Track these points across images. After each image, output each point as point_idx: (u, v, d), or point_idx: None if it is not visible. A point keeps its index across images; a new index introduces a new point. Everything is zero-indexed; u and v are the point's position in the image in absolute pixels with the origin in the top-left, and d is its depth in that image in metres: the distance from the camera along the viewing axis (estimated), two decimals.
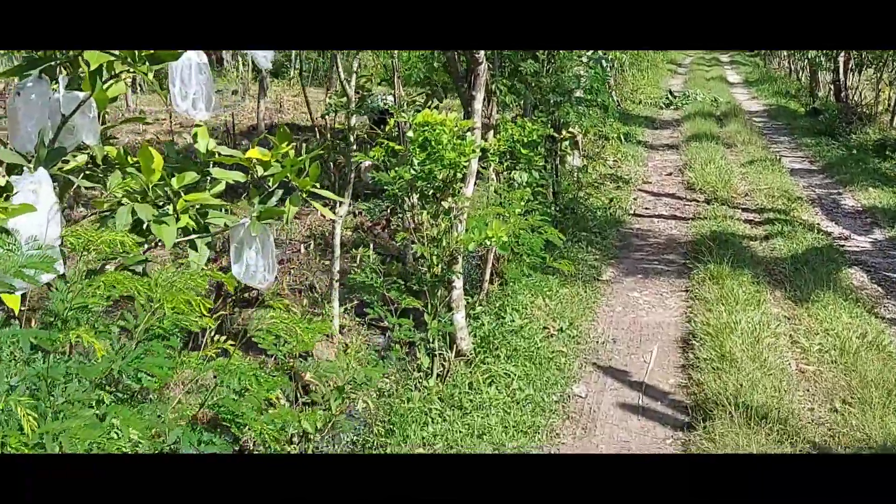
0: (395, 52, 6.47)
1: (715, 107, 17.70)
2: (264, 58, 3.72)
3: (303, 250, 7.88)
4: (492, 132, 6.60)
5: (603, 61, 11.76)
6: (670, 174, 11.03)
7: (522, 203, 5.82)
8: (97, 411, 1.88)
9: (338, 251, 6.22)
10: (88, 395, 1.81)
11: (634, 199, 9.50)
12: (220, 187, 3.71)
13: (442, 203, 4.47)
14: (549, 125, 7.51)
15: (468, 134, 4.69)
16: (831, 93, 18.16)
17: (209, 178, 3.71)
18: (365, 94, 6.45)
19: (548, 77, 7.51)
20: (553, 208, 7.76)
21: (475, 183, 5.10)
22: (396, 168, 4.48)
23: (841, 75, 17.81)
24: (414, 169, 4.39)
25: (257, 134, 14.59)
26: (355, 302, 6.27)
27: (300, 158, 3.64)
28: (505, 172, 6.47)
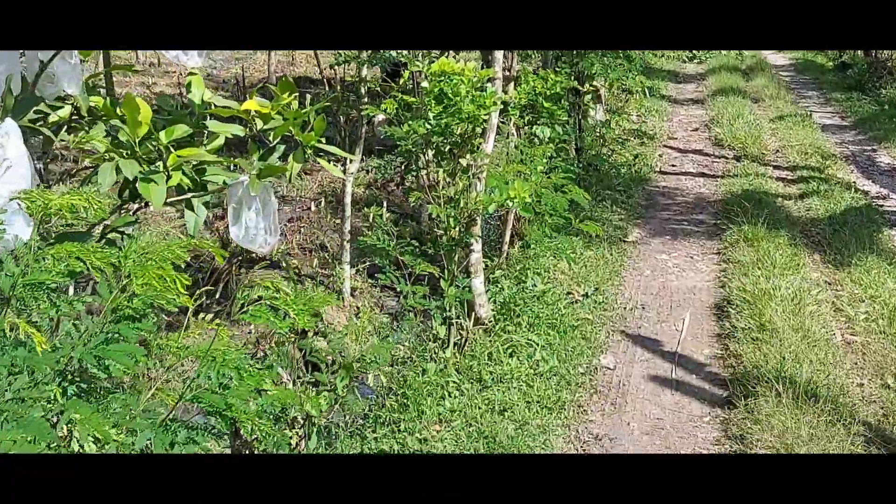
0: None
1: (740, 60, 17.10)
2: (189, 57, 3.31)
3: (313, 208, 7.56)
4: (512, 84, 6.19)
5: None
6: (696, 130, 10.57)
7: (544, 160, 5.45)
8: (52, 408, 1.57)
9: (349, 210, 5.89)
10: (40, 391, 1.50)
11: (660, 155, 9.08)
12: (219, 142, 3.37)
13: (459, 160, 4.11)
14: (573, 77, 7.09)
15: (488, 85, 4.31)
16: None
17: (206, 132, 3.37)
18: None
19: None
20: (576, 165, 7.37)
21: (495, 139, 4.73)
22: (410, 122, 4.11)
23: None
24: (429, 123, 4.02)
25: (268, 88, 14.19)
26: (367, 263, 5.96)
27: (304, 111, 3.27)
28: (526, 127, 6.08)
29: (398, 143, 4.36)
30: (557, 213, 5.59)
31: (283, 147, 3.35)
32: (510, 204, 4.01)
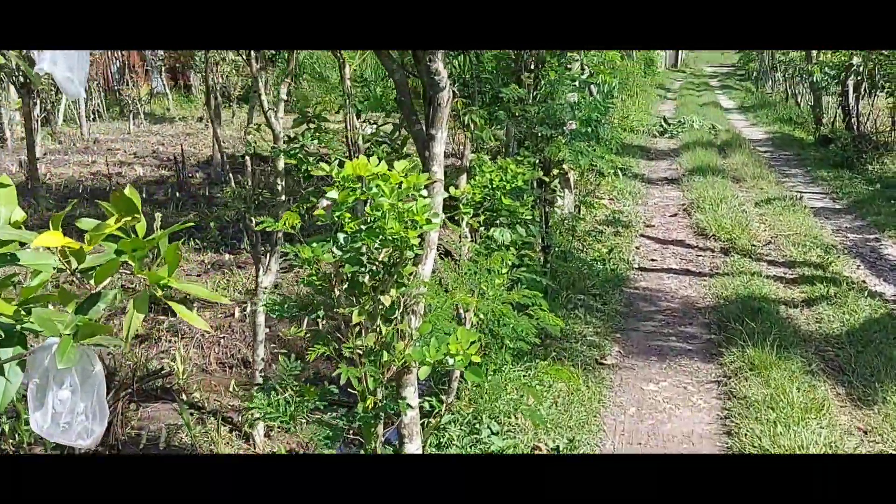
0: (347, 72, 5.01)
1: (714, 135, 16.39)
2: (69, 80, 2.20)
3: (237, 314, 6.38)
4: (465, 176, 5.14)
5: (593, 87, 10.38)
6: (675, 215, 9.59)
7: (505, 271, 4.36)
8: None
9: (261, 335, 4.73)
10: None
11: (637, 247, 8.04)
12: (44, 277, 2.18)
13: (382, 297, 2.97)
14: (539, 165, 6.06)
15: (424, 192, 3.20)
16: (838, 118, 16.92)
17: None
18: (320, 123, 5.00)
19: (535, 106, 6.07)
20: (543, 266, 6.29)
21: (435, 257, 3.61)
22: (315, 244, 2.98)
23: (850, 100, 16.60)
24: (339, 247, 2.90)
25: (214, 166, 13.06)
26: None
27: (150, 238, 2.08)
28: (483, 229, 5.00)
29: (302, 270, 3.22)
30: (520, 338, 4.47)
31: (114, 292, 2.17)
32: (451, 363, 2.86)
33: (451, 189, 5.11)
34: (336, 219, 2.96)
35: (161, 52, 20.19)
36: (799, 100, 21.54)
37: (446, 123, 3.32)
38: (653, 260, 7.61)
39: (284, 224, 3.21)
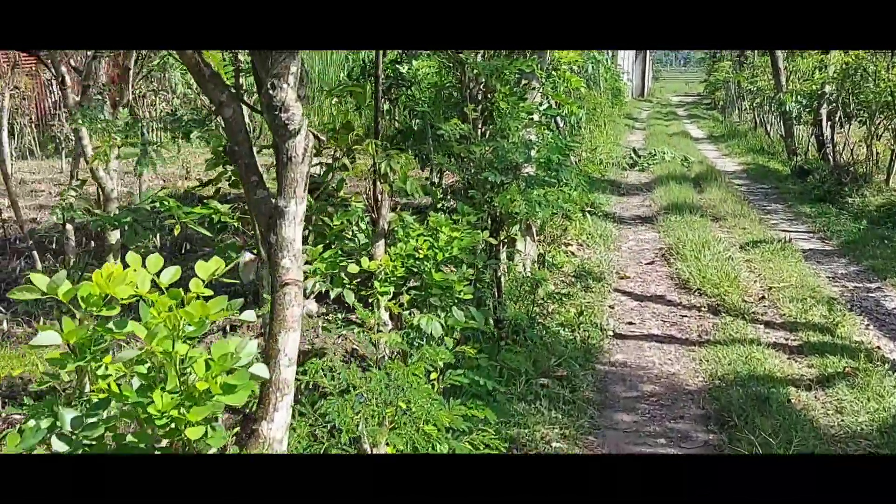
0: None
1: (686, 167, 15.39)
2: None
3: None
4: (381, 243, 3.93)
5: (558, 118, 9.24)
6: (652, 263, 8.42)
7: (435, 376, 3.17)
8: None
9: None
10: None
11: (611, 306, 6.84)
12: None
13: None
14: (487, 221, 4.86)
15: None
16: (811, 148, 16.02)
17: None
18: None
19: (482, 145, 4.88)
20: (496, 343, 5.06)
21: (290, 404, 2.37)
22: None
23: (824, 129, 15.72)
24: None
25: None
26: None
27: None
28: (407, 314, 3.76)
29: None
30: None
31: None
32: None
33: (364, 261, 3.87)
34: None
35: (102, 81, 18.85)
36: (769, 129, 20.71)
37: (304, 189, 2.10)
38: (630, 323, 6.41)
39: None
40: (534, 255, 7.29)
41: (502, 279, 5.31)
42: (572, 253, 8.43)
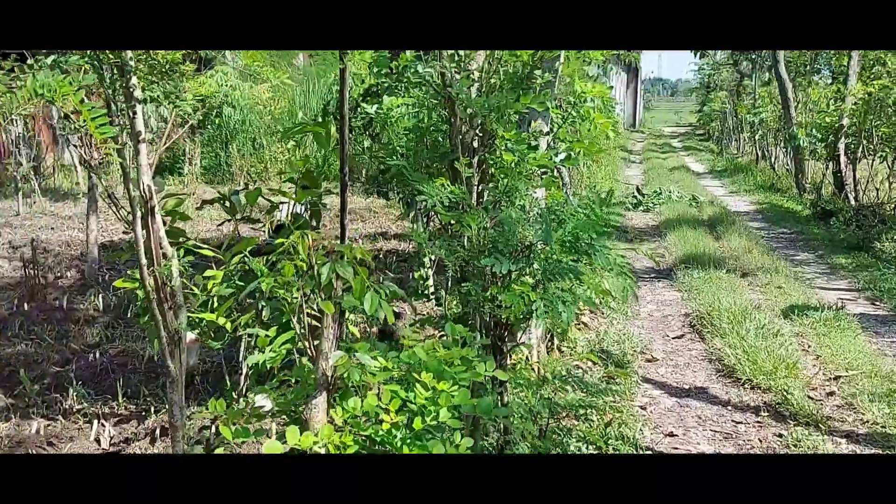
0: None
1: (696, 207, 14.06)
2: None
3: None
4: (324, 396, 2.47)
5: (563, 170, 7.84)
6: (681, 337, 6.98)
7: None
8: None
9: None
10: None
11: (642, 407, 5.37)
12: None
13: None
14: (486, 322, 3.41)
15: None
16: (825, 185, 14.74)
17: None
18: None
19: (480, 216, 3.44)
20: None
21: None
22: None
23: (842, 166, 14.44)
24: None
25: (89, 264, 10.03)
26: None
27: None
28: None
29: None
30: None
31: None
32: None
33: (291, 432, 2.41)
34: None
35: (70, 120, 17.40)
36: (773, 162, 19.47)
37: None
38: (671, 435, 4.93)
39: None
40: (539, 334, 5.83)
41: (506, 396, 3.84)
42: (584, 324, 6.98)
